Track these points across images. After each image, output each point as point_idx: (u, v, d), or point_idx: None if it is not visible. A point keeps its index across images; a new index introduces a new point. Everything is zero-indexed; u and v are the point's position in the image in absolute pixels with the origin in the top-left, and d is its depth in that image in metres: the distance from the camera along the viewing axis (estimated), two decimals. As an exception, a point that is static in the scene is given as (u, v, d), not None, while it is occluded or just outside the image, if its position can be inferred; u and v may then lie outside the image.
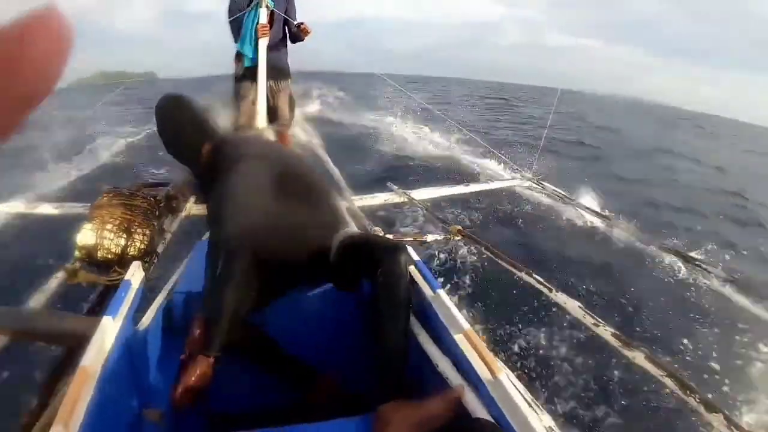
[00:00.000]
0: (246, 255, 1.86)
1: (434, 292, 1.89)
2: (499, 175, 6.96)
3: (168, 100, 2.13)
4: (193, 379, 1.77)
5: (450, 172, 8.21)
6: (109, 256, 2.81)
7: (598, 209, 5.24)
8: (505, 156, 6.14)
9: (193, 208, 3.98)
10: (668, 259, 4.64)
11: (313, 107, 16.47)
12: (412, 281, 1.93)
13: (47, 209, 3.84)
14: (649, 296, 4.41)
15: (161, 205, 3.19)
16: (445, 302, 1.82)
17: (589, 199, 6.27)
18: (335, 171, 5.43)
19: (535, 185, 5.20)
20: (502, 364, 1.59)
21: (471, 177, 7.30)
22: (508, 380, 1.45)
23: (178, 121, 2.09)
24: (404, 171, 8.50)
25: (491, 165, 8.03)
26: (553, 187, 5.16)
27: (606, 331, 2.40)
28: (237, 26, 4.87)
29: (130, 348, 1.90)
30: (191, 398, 1.77)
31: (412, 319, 1.89)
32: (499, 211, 5.96)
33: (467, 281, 4.25)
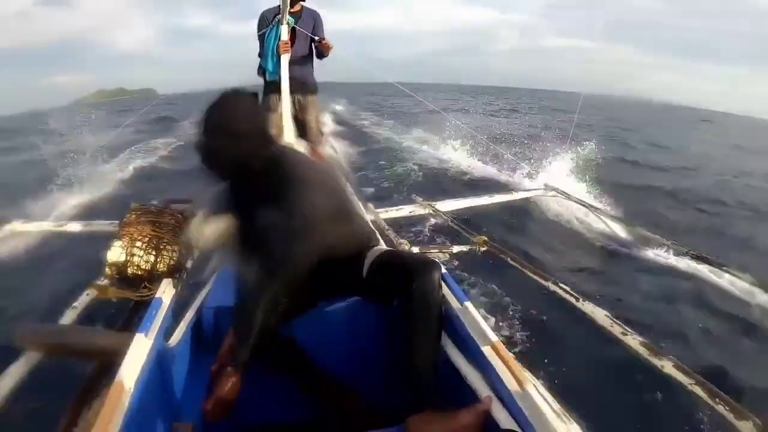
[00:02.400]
0: (299, 276, 1.85)
1: (462, 304, 1.88)
2: (523, 184, 6.96)
3: (232, 97, 1.95)
4: (223, 391, 1.79)
5: (474, 181, 8.20)
6: (139, 273, 2.83)
7: (622, 218, 5.22)
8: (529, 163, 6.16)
9: (220, 228, 4.01)
10: (695, 267, 4.56)
11: (330, 123, 16.54)
12: (442, 295, 1.93)
13: (76, 227, 3.90)
14: (673, 305, 4.34)
15: (189, 220, 3.22)
16: (473, 314, 1.81)
17: (614, 207, 6.25)
18: (357, 183, 5.48)
19: (559, 195, 5.18)
20: (531, 375, 1.58)
21: (495, 187, 7.26)
22: (537, 392, 1.44)
23: (247, 118, 1.94)
24: (427, 182, 8.48)
25: (515, 174, 8.02)
26: (578, 197, 5.14)
27: (634, 340, 2.39)
28: (262, 41, 4.95)
29: (162, 363, 1.93)
30: (222, 410, 1.80)
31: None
32: (524, 221, 5.92)
33: (494, 292, 4.22)
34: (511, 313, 3.94)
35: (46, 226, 4.03)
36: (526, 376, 1.51)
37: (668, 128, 28.93)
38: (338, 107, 25.06)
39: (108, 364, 2.12)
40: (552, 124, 17.58)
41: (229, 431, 2.01)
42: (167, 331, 2.11)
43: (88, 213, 6.38)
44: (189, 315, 2.40)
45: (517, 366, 1.54)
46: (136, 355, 1.71)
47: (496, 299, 4.13)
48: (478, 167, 9.72)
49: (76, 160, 9.17)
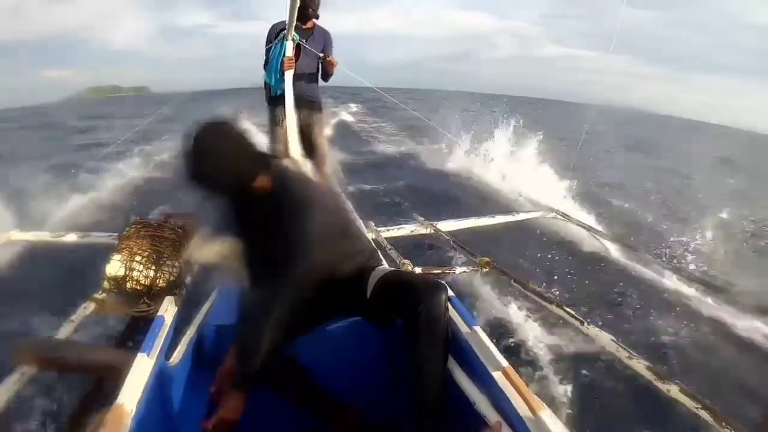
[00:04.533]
0: (302, 296, 1.85)
1: (471, 328, 1.86)
2: (524, 205, 6.93)
3: (214, 127, 1.88)
4: (227, 411, 1.78)
5: (474, 200, 8.17)
6: (138, 288, 2.79)
7: (622, 239, 5.20)
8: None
9: (222, 251, 3.99)
10: (695, 292, 4.53)
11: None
12: (449, 318, 1.90)
13: (73, 238, 3.86)
14: (676, 330, 4.30)
15: (188, 234, 3.18)
16: (483, 339, 1.79)
17: (614, 229, 6.24)
18: (357, 201, 5.45)
19: (560, 217, 5.18)
20: (542, 401, 1.55)
21: (497, 207, 7.22)
22: (550, 418, 1.42)
23: (228, 149, 1.87)
24: (426, 198, 8.45)
25: (514, 194, 7.99)
26: (578, 219, 5.14)
27: (640, 364, 2.37)
28: (268, 54, 4.93)
29: (163, 384, 1.90)
30: (223, 431, 1.78)
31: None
32: (525, 242, 5.86)
33: (497, 314, 4.17)
34: (514, 336, 3.88)
35: (44, 236, 3.98)
36: (538, 402, 1.49)
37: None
38: (348, 116, 24.95)
39: (105, 379, 2.09)
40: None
41: None
42: (168, 349, 2.09)
43: (86, 222, 6.30)
44: (190, 332, 2.37)
45: (529, 392, 1.52)
46: (138, 376, 1.69)
47: (499, 321, 4.07)
48: (480, 182, 9.72)
49: (75, 163, 9.07)
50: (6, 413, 2.32)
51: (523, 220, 5.31)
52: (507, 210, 6.05)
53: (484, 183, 9.41)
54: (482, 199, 8.21)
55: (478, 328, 1.85)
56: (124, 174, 10.27)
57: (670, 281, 4.70)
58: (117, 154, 11.13)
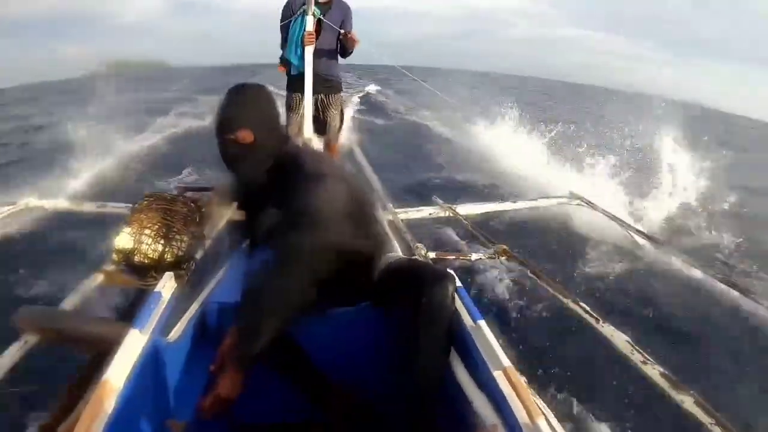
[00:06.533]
0: (308, 275, 1.80)
1: (475, 322, 1.78)
2: (548, 191, 6.74)
3: (257, 87, 1.92)
4: (225, 389, 1.75)
5: (497, 183, 7.97)
6: (146, 261, 2.79)
7: (649, 233, 5.04)
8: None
9: (236, 214, 3.98)
10: (722, 289, 4.35)
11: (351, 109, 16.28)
12: (455, 310, 1.84)
13: (90, 207, 3.88)
14: (700, 330, 4.17)
15: (202, 210, 3.15)
16: (486, 335, 1.71)
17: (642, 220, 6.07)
18: (376, 181, 5.37)
19: (584, 204, 5.04)
20: (544, 404, 1.49)
21: (520, 191, 6.99)
22: (547, 424, 1.36)
23: (266, 112, 1.91)
24: (449, 180, 8.31)
25: (541, 179, 7.74)
26: (603, 208, 4.99)
27: (654, 370, 2.29)
28: (285, 32, 4.87)
29: (157, 360, 1.87)
30: (219, 409, 1.75)
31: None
32: (546, 230, 5.72)
33: (509, 305, 4.08)
34: (524, 330, 3.80)
35: (60, 204, 4.01)
36: (538, 406, 1.42)
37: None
38: (370, 90, 24.84)
39: (105, 353, 2.08)
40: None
41: (223, 430, 1.95)
42: (166, 326, 2.06)
43: (102, 191, 6.32)
44: (193, 308, 2.34)
45: (528, 395, 1.45)
46: (128, 352, 1.64)
47: (511, 313, 3.99)
48: (505, 165, 9.17)
49: (93, 136, 9.14)
50: (5, 381, 2.35)
51: (546, 206, 5.21)
52: (529, 195, 5.92)
53: (511, 167, 9.07)
54: (506, 184, 7.92)
55: (482, 323, 1.77)
56: (144, 144, 10.39)
57: (705, 281, 4.43)
58: (139, 127, 11.48)
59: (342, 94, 5.36)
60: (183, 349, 2.16)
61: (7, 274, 4.29)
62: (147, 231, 2.82)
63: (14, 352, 2.42)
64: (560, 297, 2.97)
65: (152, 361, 1.80)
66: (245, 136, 1.82)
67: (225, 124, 1.84)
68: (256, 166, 1.92)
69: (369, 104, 19.81)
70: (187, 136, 11.45)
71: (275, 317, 1.77)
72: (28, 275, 4.23)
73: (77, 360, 2.54)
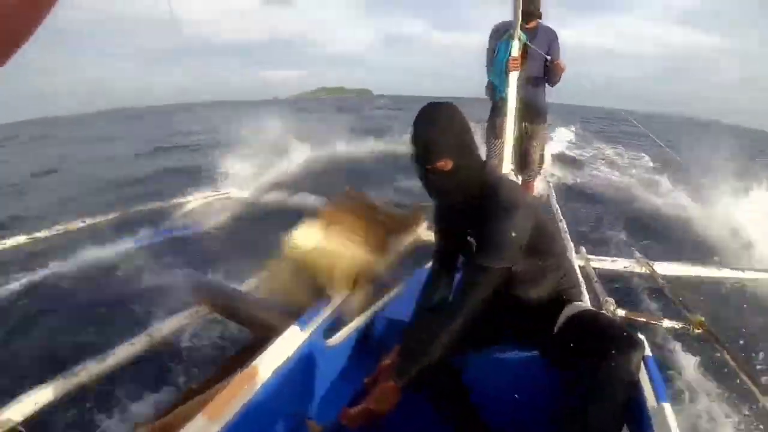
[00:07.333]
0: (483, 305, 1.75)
1: (658, 403, 1.57)
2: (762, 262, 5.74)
3: (450, 109, 1.84)
4: (377, 402, 1.71)
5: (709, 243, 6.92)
6: (322, 261, 2.79)
7: None
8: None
9: (424, 233, 4.02)
10: None
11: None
12: (638, 381, 1.64)
13: (279, 196, 4.17)
14: None
15: (396, 223, 3.14)
16: (669, 422, 1.49)
17: None
18: (565, 226, 5.09)
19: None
20: None
21: (736, 259, 5.84)
22: None
23: (461, 136, 1.83)
24: (648, 234, 7.40)
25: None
26: None
27: None
28: (491, 55, 4.80)
29: (310, 360, 1.92)
30: (365, 422, 1.71)
31: None
32: (754, 307, 4.62)
33: (694, 387, 3.38)
34: (704, 418, 3.14)
35: (258, 196, 4.36)
36: None
37: None
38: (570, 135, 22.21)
39: (266, 339, 2.17)
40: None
41: None
42: (330, 330, 2.10)
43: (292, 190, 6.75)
44: (360, 318, 2.38)
45: None
46: (283, 346, 1.75)
47: (694, 394, 3.32)
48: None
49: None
50: (170, 344, 2.55)
51: (756, 279, 4.59)
52: (748, 265, 5.16)
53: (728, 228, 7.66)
54: (713, 246, 6.53)
55: (667, 406, 1.55)
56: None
57: None
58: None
59: (546, 124, 5.19)
60: (340, 356, 2.19)
61: (195, 254, 4.76)
62: (332, 233, 2.70)
63: (184, 317, 2.62)
64: (755, 389, 2.59)
65: (305, 360, 1.86)
66: (444, 164, 1.78)
67: (423, 155, 1.80)
68: (456, 191, 1.86)
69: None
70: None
71: (443, 344, 1.72)
72: (216, 253, 4.66)
73: (240, 341, 2.69)
